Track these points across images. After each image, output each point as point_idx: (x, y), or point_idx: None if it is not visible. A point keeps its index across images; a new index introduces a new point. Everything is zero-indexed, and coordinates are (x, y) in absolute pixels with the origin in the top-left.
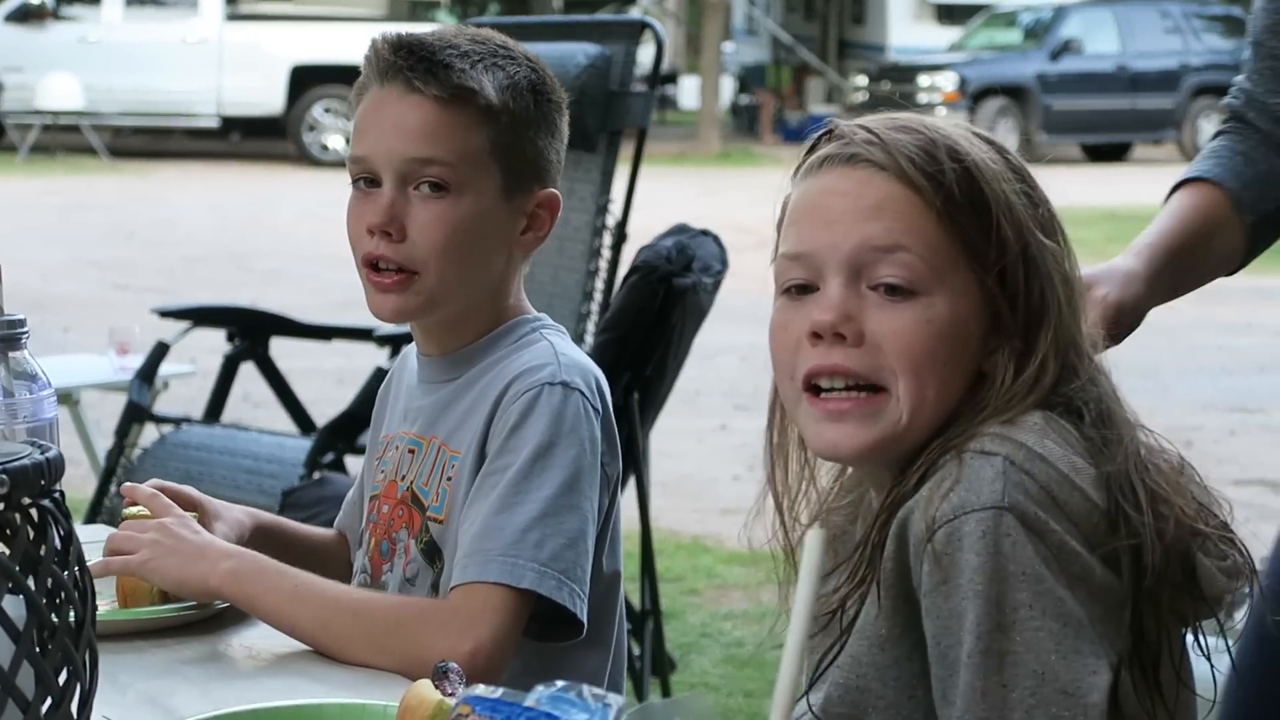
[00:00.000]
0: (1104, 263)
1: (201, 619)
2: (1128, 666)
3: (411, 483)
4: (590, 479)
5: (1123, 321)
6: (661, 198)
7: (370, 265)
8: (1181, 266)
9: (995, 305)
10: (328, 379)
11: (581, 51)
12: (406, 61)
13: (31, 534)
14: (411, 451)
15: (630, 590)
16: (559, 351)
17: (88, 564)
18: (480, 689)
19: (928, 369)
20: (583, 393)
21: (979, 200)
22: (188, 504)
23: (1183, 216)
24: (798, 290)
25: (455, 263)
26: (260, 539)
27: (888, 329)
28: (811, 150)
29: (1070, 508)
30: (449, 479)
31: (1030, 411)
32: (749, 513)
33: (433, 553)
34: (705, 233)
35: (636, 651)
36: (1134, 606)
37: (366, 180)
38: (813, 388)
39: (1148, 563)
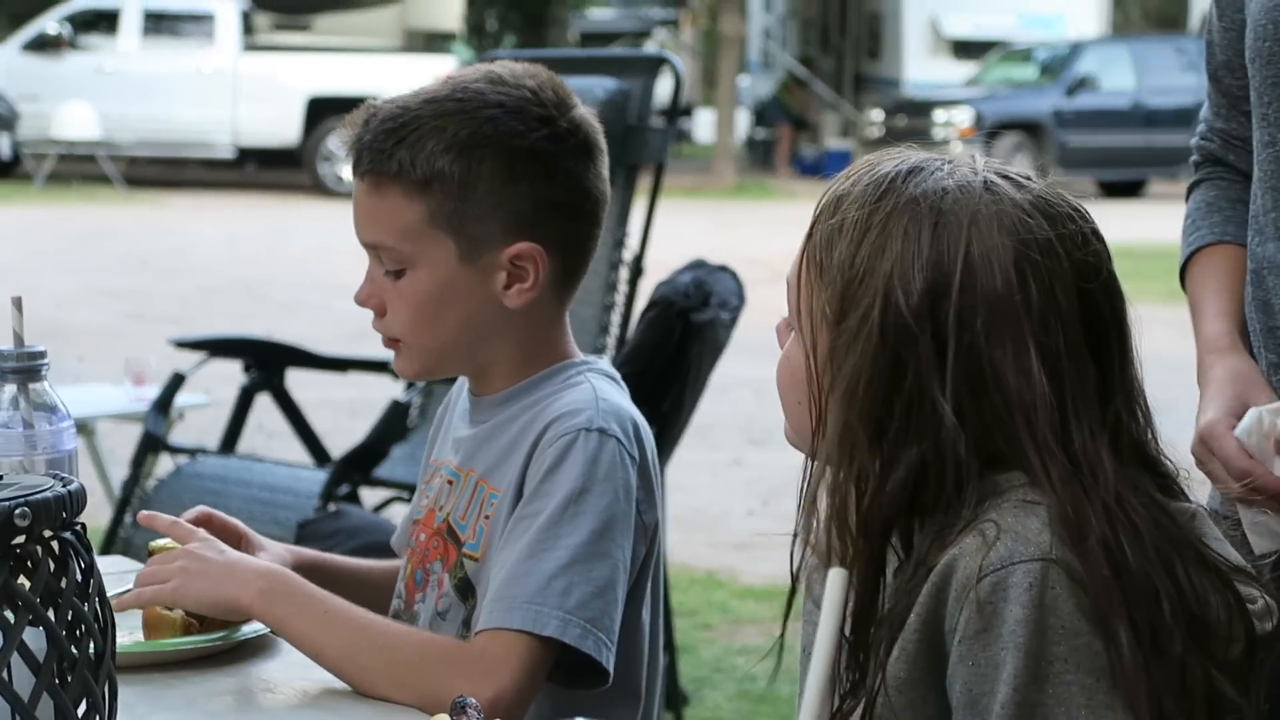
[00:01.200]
0: (1221, 377)
1: (222, 651)
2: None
3: (449, 515)
4: (624, 527)
5: None
6: (676, 231)
7: None
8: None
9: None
10: (341, 410)
11: (600, 86)
12: (354, 146)
13: (53, 566)
14: (450, 483)
15: None
16: (600, 396)
17: (110, 597)
18: None
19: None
20: (620, 440)
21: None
22: (232, 536)
23: (1230, 289)
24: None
25: (429, 333)
26: (303, 575)
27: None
28: None
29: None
30: (486, 517)
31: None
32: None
33: (466, 589)
34: (723, 268)
35: None
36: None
37: None
38: None
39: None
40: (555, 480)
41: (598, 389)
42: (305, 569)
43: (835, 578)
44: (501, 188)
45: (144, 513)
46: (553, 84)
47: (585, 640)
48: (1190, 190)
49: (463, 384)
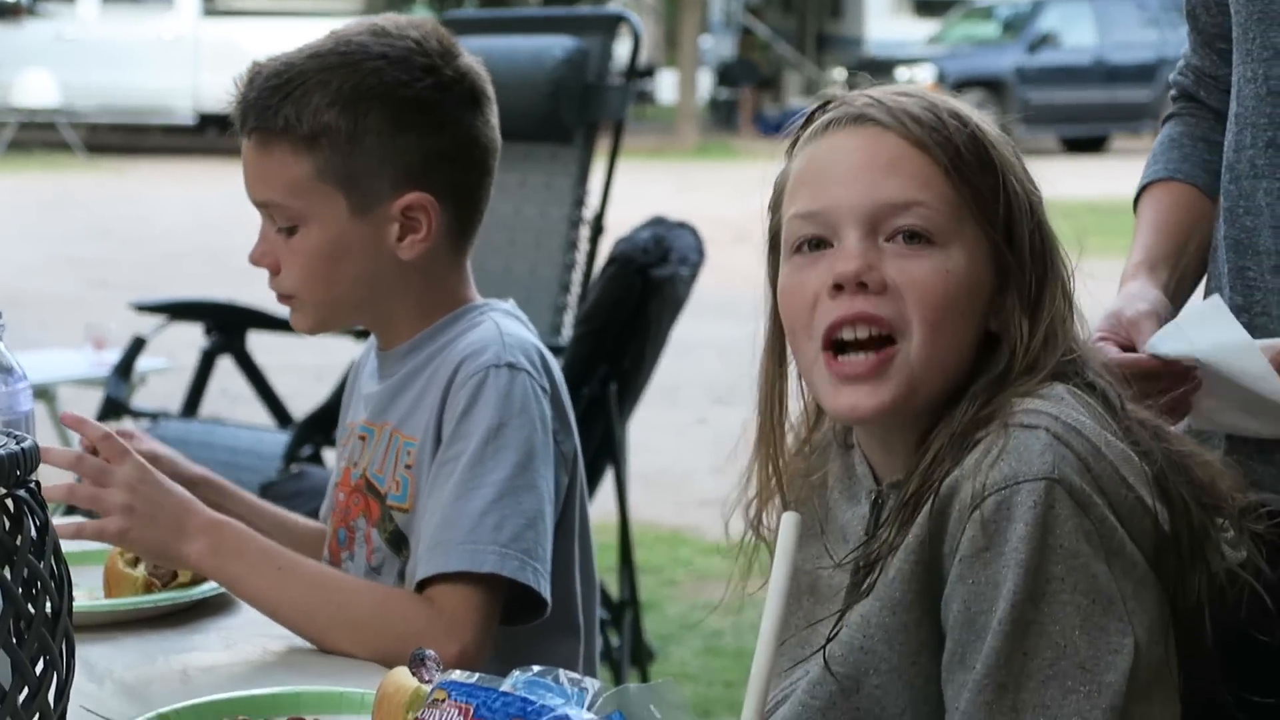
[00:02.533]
0: (1127, 295)
1: (183, 609)
2: (1163, 639)
3: (365, 469)
4: (544, 457)
5: None
6: (639, 192)
7: None
8: (1180, 278)
9: (1003, 263)
10: (305, 374)
11: (558, 45)
12: (239, 105)
13: (7, 524)
14: (363, 438)
15: (609, 581)
16: (504, 331)
17: (58, 529)
18: (456, 674)
19: (945, 318)
20: (529, 372)
21: (985, 159)
22: (192, 481)
23: (1165, 228)
24: (811, 247)
25: (323, 288)
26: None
27: (908, 276)
28: (809, 121)
29: (1103, 482)
30: (407, 467)
31: (1052, 384)
32: (732, 499)
33: (399, 541)
34: (682, 225)
35: (616, 642)
36: (1160, 581)
37: None
38: (833, 345)
39: (1170, 538)
40: (472, 420)
41: (501, 325)
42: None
43: (788, 520)
44: (389, 139)
45: (69, 414)
46: (437, 34)
47: (524, 571)
48: (1163, 124)
49: (370, 345)
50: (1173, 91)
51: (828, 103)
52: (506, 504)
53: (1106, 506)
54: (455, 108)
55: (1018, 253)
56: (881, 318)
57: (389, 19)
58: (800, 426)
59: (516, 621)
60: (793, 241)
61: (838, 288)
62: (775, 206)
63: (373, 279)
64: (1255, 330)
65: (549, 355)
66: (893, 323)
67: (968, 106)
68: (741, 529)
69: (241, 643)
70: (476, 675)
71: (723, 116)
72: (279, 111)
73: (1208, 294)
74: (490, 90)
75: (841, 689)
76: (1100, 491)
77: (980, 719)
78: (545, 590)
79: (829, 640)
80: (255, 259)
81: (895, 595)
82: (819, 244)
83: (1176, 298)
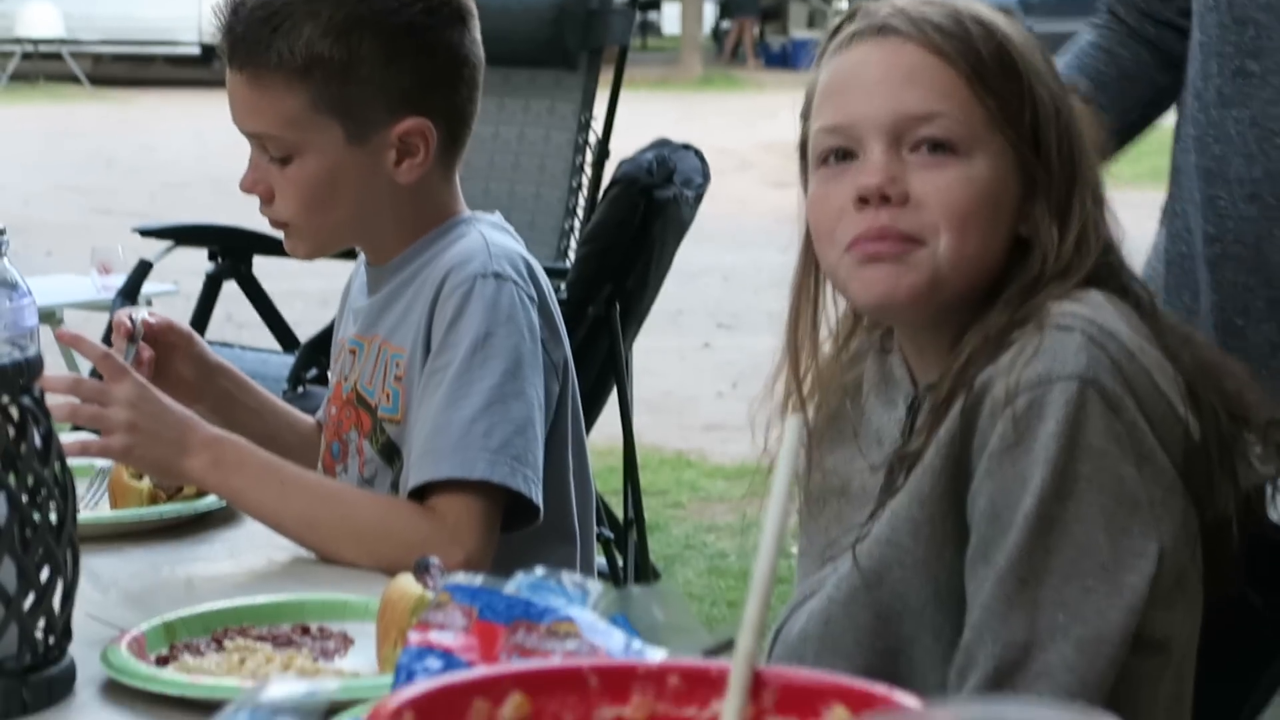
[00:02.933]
0: None
1: (188, 520)
2: (1188, 548)
3: (356, 383)
4: (533, 365)
5: None
6: (643, 122)
7: None
8: None
9: (1030, 170)
10: (310, 300)
11: None
12: (226, 38)
13: (12, 432)
14: (353, 352)
15: (613, 502)
16: (490, 242)
17: (64, 446)
18: (460, 577)
19: (970, 225)
20: (515, 281)
21: (1008, 63)
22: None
23: None
24: (837, 159)
25: (319, 216)
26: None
27: (931, 186)
28: (835, 33)
29: (1136, 386)
30: (398, 378)
31: (1087, 289)
32: (756, 410)
33: (391, 452)
34: (686, 146)
35: (620, 562)
36: (1188, 490)
37: None
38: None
39: (1199, 448)
40: (459, 330)
41: (487, 236)
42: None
43: (793, 423)
44: (383, 67)
45: (65, 331)
46: None
47: (514, 477)
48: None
49: (360, 261)
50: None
51: (854, 14)
52: (495, 411)
53: (1138, 411)
54: (444, 29)
55: (1045, 159)
56: (903, 231)
57: None
58: (832, 339)
59: (511, 529)
60: (819, 154)
61: (862, 200)
62: (805, 116)
63: (370, 203)
64: (1226, 260)
65: (535, 264)
66: (916, 234)
67: (994, 12)
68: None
69: (246, 553)
70: (480, 578)
71: (724, 48)
72: (270, 45)
73: (1169, 219)
74: (473, 5)
75: (865, 583)
76: (1132, 395)
77: (1000, 611)
78: (537, 496)
79: (859, 540)
80: (247, 187)
81: (924, 489)
82: (845, 155)
83: None
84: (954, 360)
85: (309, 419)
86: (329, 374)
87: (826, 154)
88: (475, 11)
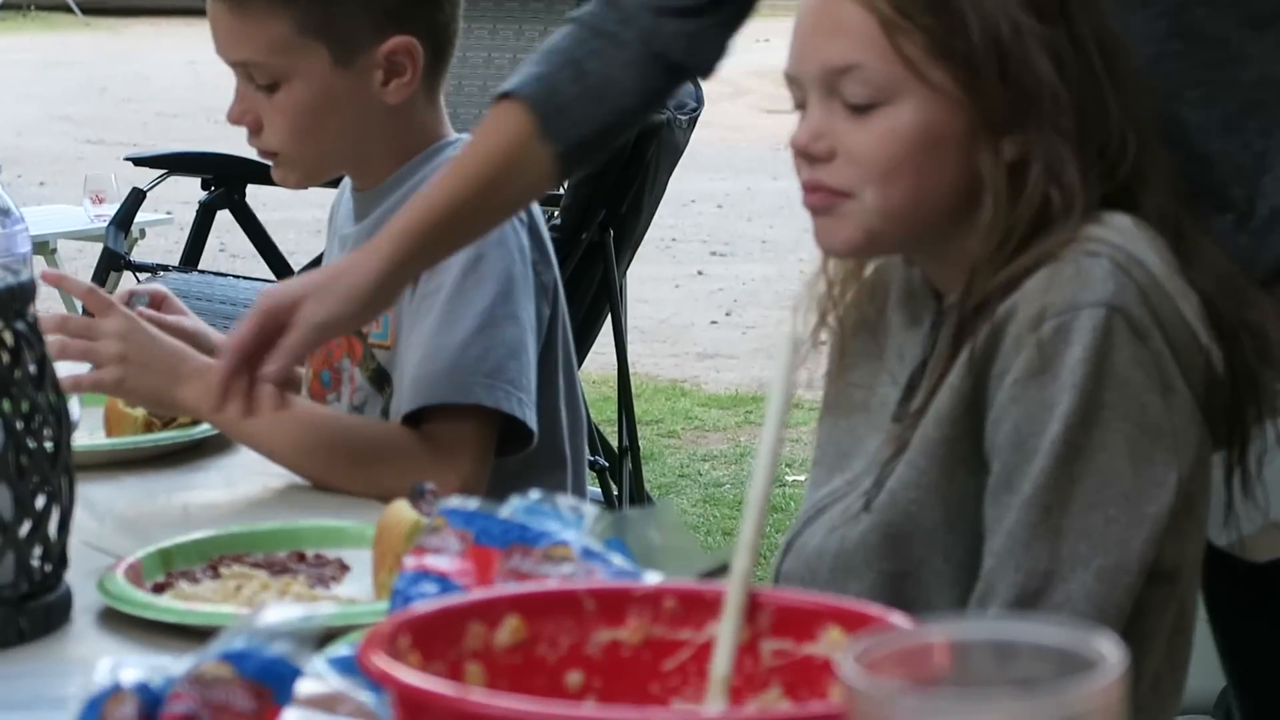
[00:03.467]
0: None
1: (184, 448)
2: (1199, 476)
3: None
4: (524, 287)
5: (343, 331)
6: None
7: None
8: (465, 226)
9: (980, 101)
10: (305, 230)
11: None
12: None
13: (6, 358)
14: None
15: (608, 431)
16: None
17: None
18: (455, 501)
19: (896, 177)
20: None
21: None
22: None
23: (466, 175)
24: (797, 107)
25: (310, 143)
26: None
27: (853, 140)
28: None
29: (1162, 314)
30: None
31: (1115, 213)
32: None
33: (381, 379)
34: None
35: (615, 491)
36: (1208, 421)
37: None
38: None
39: (1222, 380)
40: None
41: None
42: None
43: (785, 342)
44: None
45: (50, 270)
46: None
47: (509, 401)
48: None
49: (345, 186)
50: None
51: None
52: (489, 335)
53: (1163, 340)
54: None
55: (987, 91)
56: (829, 185)
57: None
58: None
59: (503, 453)
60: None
61: (798, 155)
62: None
63: (360, 127)
64: None
65: None
66: (842, 187)
67: None
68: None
69: (241, 481)
70: (475, 502)
71: None
72: None
73: None
74: None
75: (879, 503)
76: (1158, 324)
77: (1024, 538)
78: (531, 420)
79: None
80: (235, 118)
81: (942, 412)
82: (800, 105)
83: (410, 264)
84: (966, 290)
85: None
86: None
87: (794, 103)
88: None
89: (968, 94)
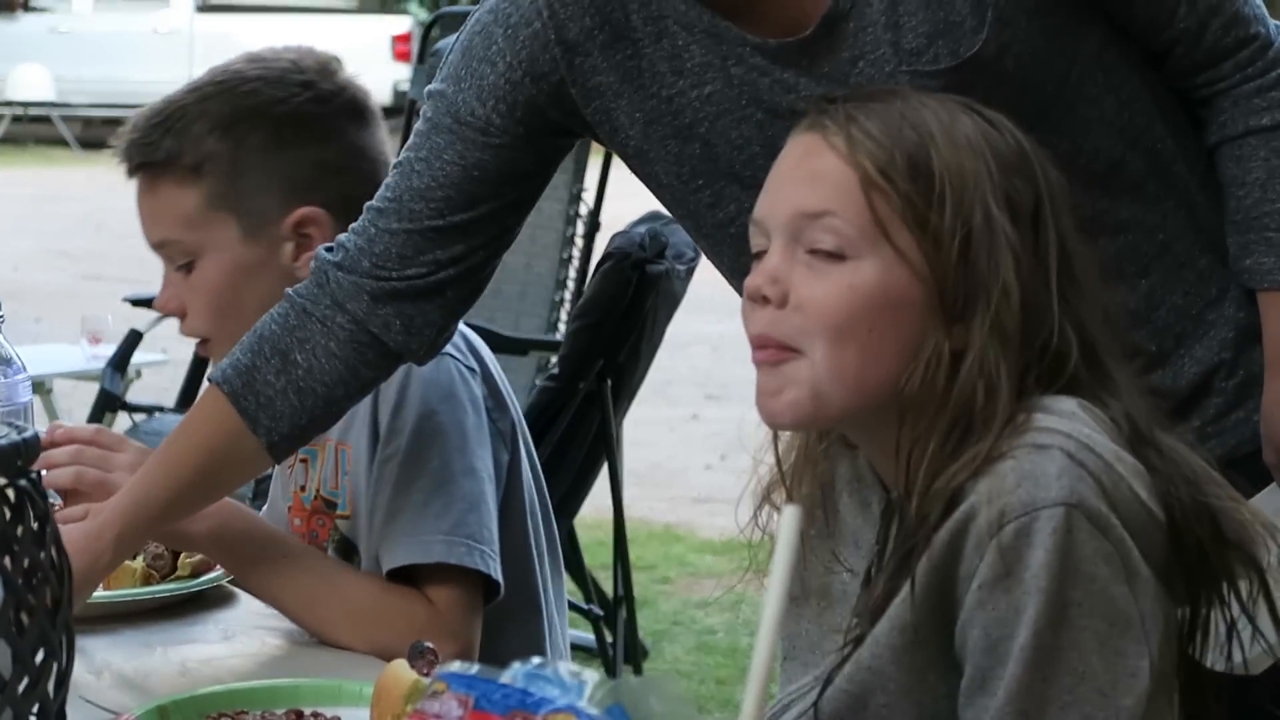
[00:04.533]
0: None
1: (181, 600)
2: (1169, 651)
3: (318, 489)
4: (479, 439)
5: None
6: (632, 189)
7: None
8: (189, 507)
9: (939, 277)
10: None
11: None
12: (123, 149)
13: (8, 514)
14: (304, 461)
15: (603, 578)
16: None
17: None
18: (456, 665)
19: (848, 334)
20: (453, 356)
21: (924, 168)
22: None
23: (182, 464)
24: (757, 256)
25: (229, 320)
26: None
27: (809, 291)
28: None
29: (1118, 500)
30: (346, 473)
31: (1060, 398)
32: (743, 491)
33: (347, 549)
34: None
35: (609, 639)
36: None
37: None
38: None
39: (1177, 555)
40: (403, 415)
41: None
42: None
43: (790, 513)
44: (272, 157)
45: (59, 429)
46: (314, 55)
47: (471, 556)
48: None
49: None
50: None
51: (826, 100)
52: (446, 491)
53: (1123, 526)
54: (337, 119)
55: (947, 264)
56: (775, 337)
57: (266, 49)
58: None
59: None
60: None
61: (751, 300)
62: None
63: (275, 300)
64: None
65: (473, 335)
66: (791, 339)
67: (930, 101)
68: (744, 522)
69: (240, 635)
70: (476, 666)
71: None
72: (159, 145)
73: None
74: (376, 106)
75: (849, 706)
76: (1115, 510)
77: None
78: (496, 571)
79: (842, 662)
80: (162, 305)
81: (905, 616)
82: (760, 254)
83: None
84: (913, 478)
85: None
86: (277, 487)
87: (756, 250)
88: (378, 113)
89: (929, 266)
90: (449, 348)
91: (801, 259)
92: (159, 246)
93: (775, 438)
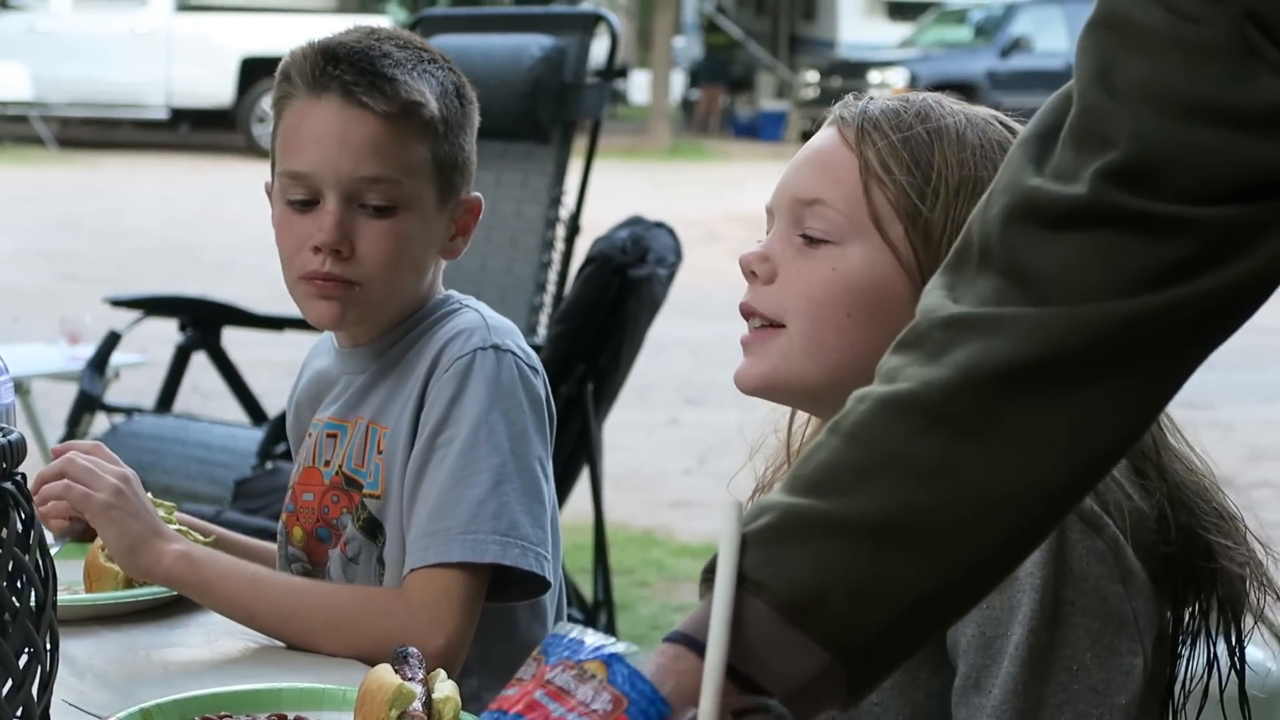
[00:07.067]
0: None
1: (162, 604)
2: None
3: (341, 466)
4: (540, 437)
5: None
6: (612, 191)
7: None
8: None
9: (925, 269)
10: (279, 371)
11: (536, 44)
12: (348, 74)
13: None
14: (333, 436)
15: (582, 582)
16: (486, 316)
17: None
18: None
19: (824, 313)
20: (516, 353)
21: (924, 162)
22: None
23: None
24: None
25: (398, 275)
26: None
27: (793, 271)
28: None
29: (1109, 499)
30: (380, 452)
31: None
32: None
33: (373, 528)
34: (660, 224)
35: None
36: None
37: (303, 198)
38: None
39: (1169, 555)
40: (463, 405)
41: (483, 312)
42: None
43: (729, 509)
44: (470, 138)
45: (59, 446)
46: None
47: (526, 558)
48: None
49: (313, 354)
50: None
51: (856, 96)
52: (504, 490)
53: (1115, 526)
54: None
55: (935, 258)
56: (760, 310)
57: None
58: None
59: (505, 598)
60: None
61: (743, 274)
62: None
63: (423, 272)
64: None
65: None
66: (773, 313)
67: (955, 105)
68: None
69: (223, 639)
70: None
71: (694, 116)
72: (414, 88)
73: None
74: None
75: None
76: (1107, 510)
77: None
78: (548, 571)
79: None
80: (333, 242)
81: None
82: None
83: None
84: None
85: (267, 544)
86: (294, 456)
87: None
88: None
89: (916, 260)
90: (512, 345)
91: (795, 242)
92: (368, 180)
93: (790, 430)
